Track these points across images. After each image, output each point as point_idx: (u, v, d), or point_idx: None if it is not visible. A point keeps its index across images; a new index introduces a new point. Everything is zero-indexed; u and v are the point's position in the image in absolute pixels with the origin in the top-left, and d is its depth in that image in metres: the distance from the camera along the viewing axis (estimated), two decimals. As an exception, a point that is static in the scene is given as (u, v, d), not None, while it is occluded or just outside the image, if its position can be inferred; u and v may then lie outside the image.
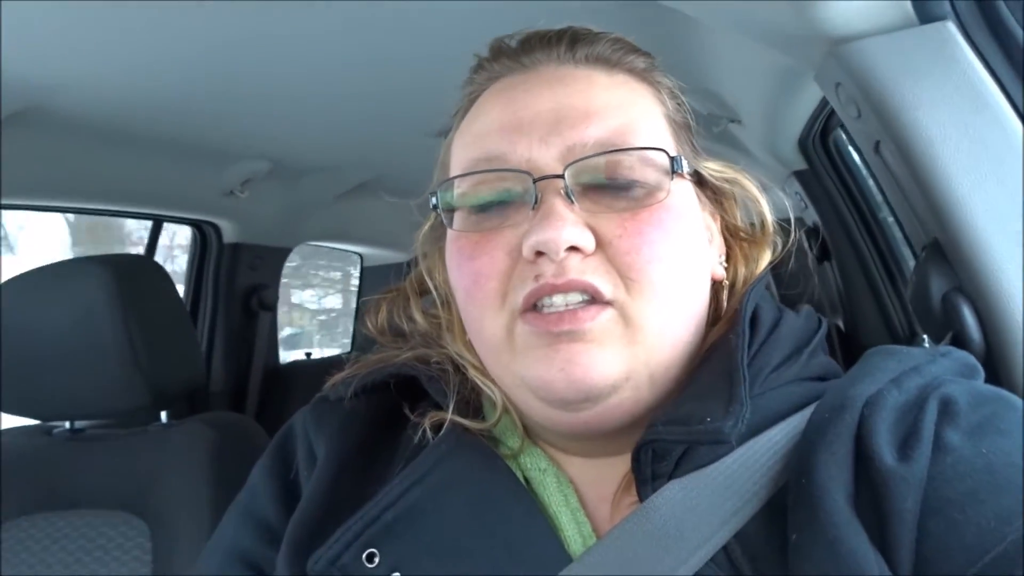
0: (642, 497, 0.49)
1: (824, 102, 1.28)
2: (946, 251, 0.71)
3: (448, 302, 0.62)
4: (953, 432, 0.44)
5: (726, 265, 0.61)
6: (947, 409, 0.46)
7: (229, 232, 2.22)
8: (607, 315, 0.49)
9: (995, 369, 0.67)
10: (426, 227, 0.64)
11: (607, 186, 0.51)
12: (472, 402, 0.59)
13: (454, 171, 0.56)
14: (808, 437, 0.47)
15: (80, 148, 1.58)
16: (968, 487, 0.42)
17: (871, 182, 1.54)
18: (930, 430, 0.44)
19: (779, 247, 0.62)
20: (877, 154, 0.79)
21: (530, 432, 0.58)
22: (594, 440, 0.54)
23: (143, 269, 1.40)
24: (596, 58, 0.57)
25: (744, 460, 0.49)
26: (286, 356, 2.79)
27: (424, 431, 0.56)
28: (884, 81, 0.70)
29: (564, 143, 0.51)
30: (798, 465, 0.46)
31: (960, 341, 0.68)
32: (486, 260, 0.52)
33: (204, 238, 2.22)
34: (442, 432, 0.56)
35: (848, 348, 1.66)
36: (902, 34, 0.71)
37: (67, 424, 1.38)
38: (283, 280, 2.53)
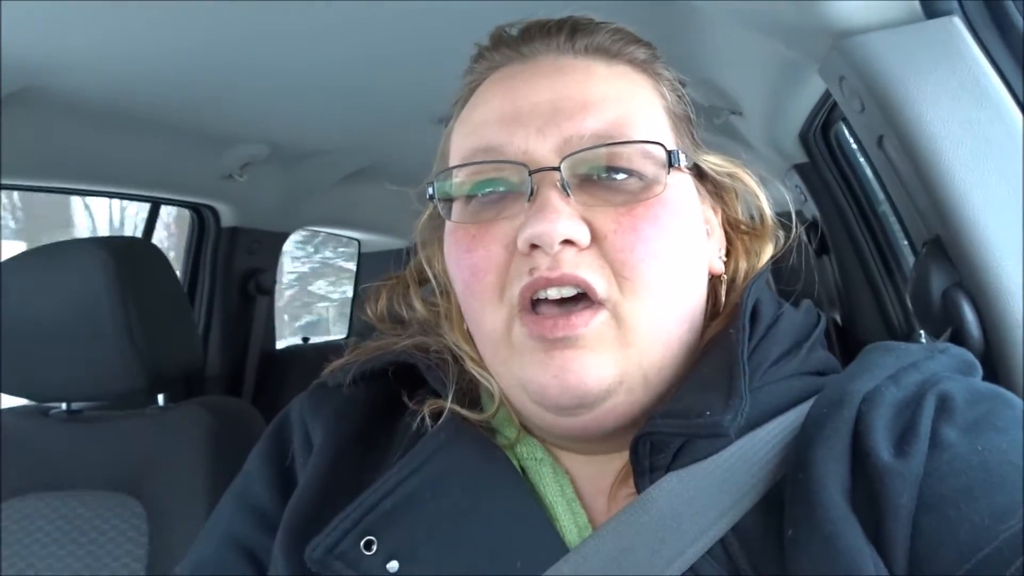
0: (640, 489, 0.50)
1: (826, 95, 1.28)
2: (947, 247, 0.71)
3: (447, 291, 0.62)
4: (950, 429, 0.44)
5: (725, 259, 0.60)
6: (944, 406, 0.46)
7: (227, 216, 2.21)
8: (600, 318, 0.49)
9: (994, 366, 0.67)
10: (425, 216, 0.64)
11: (603, 179, 0.51)
12: (470, 392, 0.59)
13: (453, 161, 0.56)
14: (806, 432, 0.47)
15: (79, 129, 1.57)
16: (963, 484, 0.42)
17: (871, 177, 1.54)
18: (927, 426, 0.44)
19: (780, 241, 0.61)
20: (880, 149, 0.79)
21: (527, 425, 0.58)
22: (590, 441, 0.55)
23: (141, 251, 1.40)
24: (596, 48, 0.56)
25: (742, 454, 0.49)
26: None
27: (423, 419, 0.56)
28: (889, 75, 0.70)
29: (561, 135, 0.51)
30: (796, 459, 0.47)
31: (959, 338, 0.68)
32: (483, 254, 0.52)
33: (202, 221, 2.21)
34: (441, 421, 0.56)
35: (845, 343, 1.66)
36: (908, 28, 0.70)
37: (63, 405, 1.38)
38: (304, 270, 2.53)
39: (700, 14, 1.12)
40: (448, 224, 0.56)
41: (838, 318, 1.80)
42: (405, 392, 0.59)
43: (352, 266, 3.23)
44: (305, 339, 2.91)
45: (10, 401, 1.38)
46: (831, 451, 0.45)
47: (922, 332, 0.77)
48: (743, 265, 0.61)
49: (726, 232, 0.61)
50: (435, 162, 0.61)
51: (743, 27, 1.00)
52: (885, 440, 0.44)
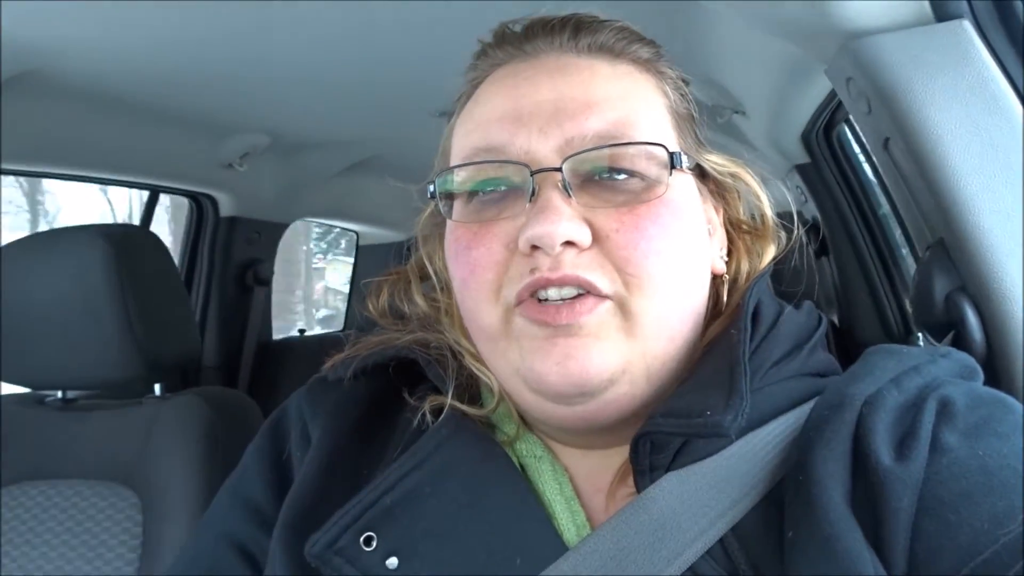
0: (639, 488, 0.49)
1: (830, 96, 1.28)
2: (951, 251, 0.71)
3: (447, 287, 0.62)
4: (950, 433, 0.44)
5: (727, 259, 0.60)
6: (945, 410, 0.46)
7: (226, 205, 2.20)
8: (605, 307, 0.49)
9: (995, 371, 0.67)
10: (427, 212, 0.64)
11: (605, 180, 0.51)
12: (469, 388, 0.59)
13: (454, 159, 0.56)
14: (807, 433, 0.47)
15: (78, 115, 1.56)
16: (963, 488, 0.42)
17: (873, 179, 1.54)
18: (927, 430, 0.44)
19: (783, 242, 0.61)
20: (885, 151, 0.79)
21: (527, 421, 0.58)
22: (590, 434, 0.54)
23: (140, 239, 1.39)
24: (599, 47, 0.56)
25: (742, 454, 0.49)
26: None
27: (424, 415, 0.56)
28: (897, 77, 0.70)
29: (563, 135, 0.51)
30: (796, 461, 0.47)
31: (961, 341, 0.68)
32: (483, 251, 0.52)
33: (201, 210, 2.21)
34: (442, 417, 0.55)
35: (843, 344, 1.66)
36: (918, 31, 0.70)
37: (59, 393, 1.38)
38: (322, 266, 2.54)
39: (706, 12, 1.12)
40: (449, 222, 0.56)
41: (836, 319, 1.81)
42: (405, 388, 0.59)
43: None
44: (301, 331, 2.91)
45: (7, 388, 1.38)
46: (832, 453, 0.45)
47: (920, 335, 0.76)
48: (745, 265, 0.61)
49: (728, 232, 0.61)
50: (436, 159, 0.61)
51: (750, 26, 0.99)
52: (886, 444, 0.44)
